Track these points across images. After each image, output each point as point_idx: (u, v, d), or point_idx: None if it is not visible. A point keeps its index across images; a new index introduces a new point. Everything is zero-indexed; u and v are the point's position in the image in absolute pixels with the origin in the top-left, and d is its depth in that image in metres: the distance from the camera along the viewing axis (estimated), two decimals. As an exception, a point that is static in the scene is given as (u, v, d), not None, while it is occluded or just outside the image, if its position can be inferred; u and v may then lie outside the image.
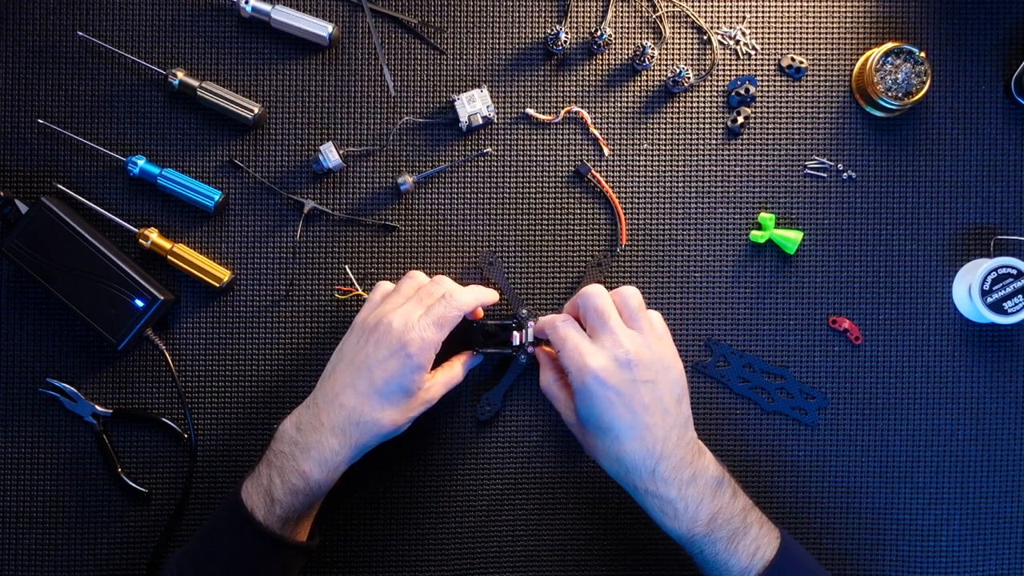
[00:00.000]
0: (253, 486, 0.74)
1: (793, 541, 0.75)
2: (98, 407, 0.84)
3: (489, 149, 0.86)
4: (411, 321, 0.74)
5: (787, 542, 0.74)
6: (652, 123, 0.86)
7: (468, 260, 0.85)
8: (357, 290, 0.85)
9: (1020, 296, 0.81)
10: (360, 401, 0.73)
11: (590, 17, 0.86)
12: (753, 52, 0.86)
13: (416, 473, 0.86)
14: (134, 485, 0.84)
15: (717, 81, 0.86)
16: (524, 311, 0.82)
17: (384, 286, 0.79)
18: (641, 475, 0.72)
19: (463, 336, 0.82)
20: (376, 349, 0.73)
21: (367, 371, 0.73)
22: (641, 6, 0.86)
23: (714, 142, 0.86)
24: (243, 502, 0.73)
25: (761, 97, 0.86)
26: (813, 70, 0.86)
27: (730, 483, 0.74)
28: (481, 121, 0.84)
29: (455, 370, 0.80)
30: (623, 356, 0.72)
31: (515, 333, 0.82)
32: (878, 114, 0.85)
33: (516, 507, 0.86)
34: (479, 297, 0.78)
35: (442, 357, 0.78)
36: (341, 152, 0.83)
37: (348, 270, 0.85)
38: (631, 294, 0.75)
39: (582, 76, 0.86)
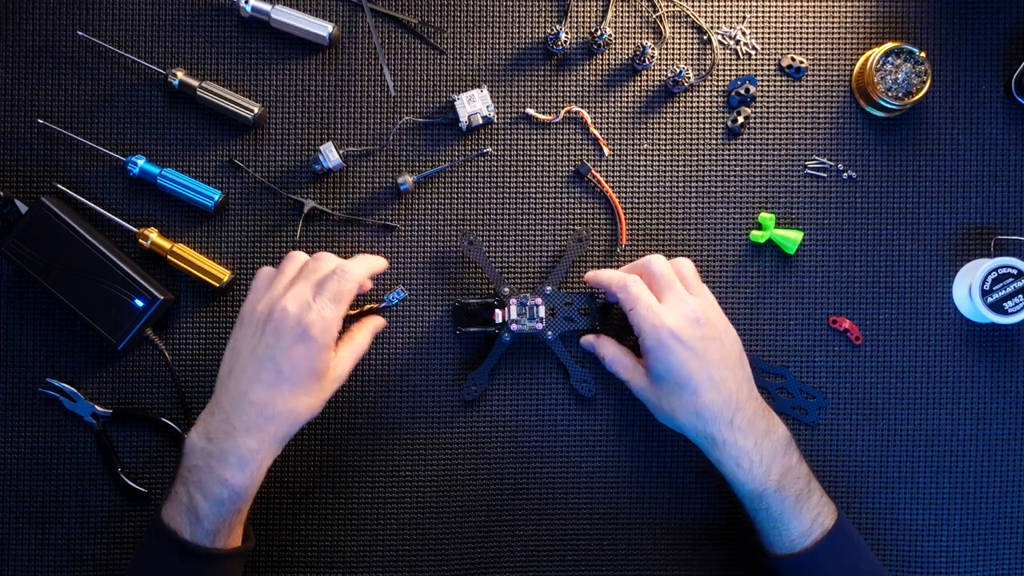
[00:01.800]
0: (174, 509, 0.72)
1: (847, 518, 0.77)
2: (98, 407, 0.84)
3: (489, 149, 0.86)
4: (306, 302, 0.71)
5: (844, 516, 0.77)
6: (652, 123, 0.86)
7: (465, 263, 0.86)
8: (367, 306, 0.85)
9: (1020, 296, 0.81)
10: (270, 394, 0.71)
11: (590, 17, 0.86)
12: (753, 52, 0.86)
13: (405, 457, 0.86)
14: (134, 485, 0.84)
15: (717, 81, 0.86)
16: (506, 289, 0.82)
17: (266, 271, 0.76)
18: (719, 425, 0.74)
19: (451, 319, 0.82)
20: (276, 338, 0.71)
21: (271, 362, 0.71)
22: (641, 6, 0.86)
23: (714, 142, 0.86)
24: (167, 525, 0.71)
25: (761, 97, 0.86)
26: (813, 70, 0.86)
27: (797, 446, 0.76)
28: (481, 121, 0.84)
29: (357, 340, 0.78)
30: (692, 314, 0.75)
31: (497, 311, 0.82)
32: (878, 114, 0.85)
33: (505, 486, 0.86)
34: (370, 266, 0.77)
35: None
36: (341, 152, 0.83)
37: None
38: (687, 263, 0.79)
39: (582, 76, 0.86)
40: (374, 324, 0.81)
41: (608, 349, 0.81)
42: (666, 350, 0.74)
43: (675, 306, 0.75)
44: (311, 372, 0.72)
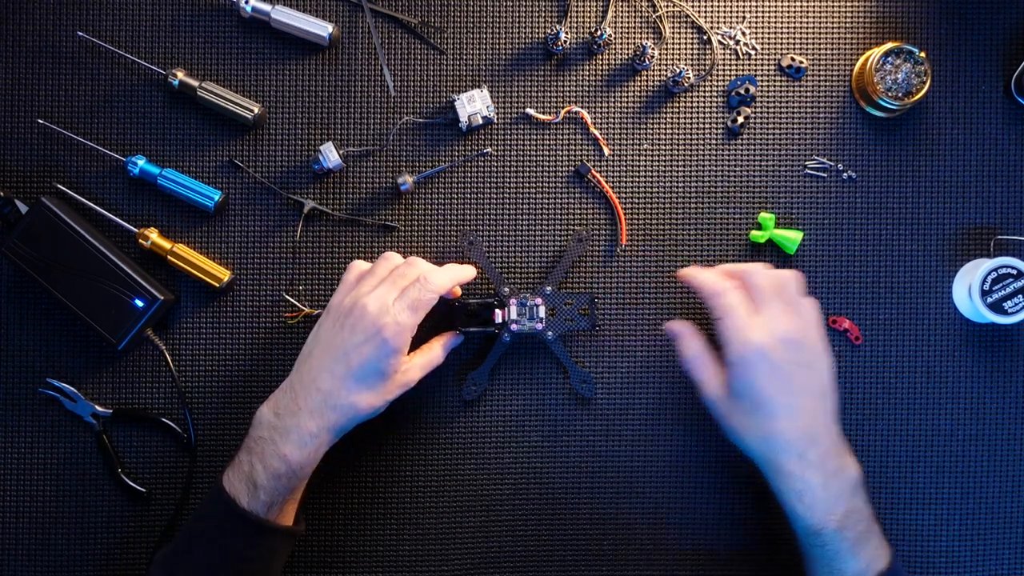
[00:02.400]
0: (235, 475, 0.74)
1: (901, 563, 0.76)
2: (98, 407, 0.84)
3: (489, 149, 0.86)
4: (386, 305, 0.74)
5: (897, 561, 0.74)
6: (652, 123, 0.86)
7: (465, 263, 0.86)
8: (304, 310, 0.85)
9: (1020, 296, 0.81)
10: (336, 385, 0.73)
11: (590, 17, 0.86)
12: (753, 52, 0.86)
13: (405, 457, 0.86)
14: (134, 485, 0.84)
15: (717, 81, 0.86)
16: (506, 289, 0.82)
17: (359, 266, 0.79)
18: (790, 456, 0.71)
19: (446, 316, 0.82)
20: (352, 334, 0.73)
21: (343, 355, 0.73)
22: (641, 6, 0.86)
23: (714, 142, 0.86)
24: (226, 490, 0.73)
25: (761, 97, 0.86)
26: (813, 70, 0.86)
27: (866, 488, 0.74)
28: (481, 121, 0.84)
29: (434, 352, 0.80)
30: (785, 335, 0.72)
31: (497, 311, 0.82)
32: (878, 114, 0.85)
33: (505, 486, 0.86)
34: (454, 277, 0.78)
35: (421, 338, 0.78)
36: (341, 152, 0.83)
37: (287, 296, 0.85)
38: (792, 276, 0.75)
39: (582, 76, 0.86)
40: (451, 340, 0.82)
41: (693, 347, 0.77)
42: (751, 368, 0.71)
43: (769, 322, 0.72)
44: (378, 372, 0.74)
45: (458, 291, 0.82)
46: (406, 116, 0.85)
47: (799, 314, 0.74)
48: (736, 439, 0.74)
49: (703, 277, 0.76)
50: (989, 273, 0.81)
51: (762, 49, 0.86)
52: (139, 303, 0.81)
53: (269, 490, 0.73)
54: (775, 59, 0.86)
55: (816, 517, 0.71)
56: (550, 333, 0.82)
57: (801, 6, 0.86)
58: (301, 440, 0.73)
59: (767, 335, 0.71)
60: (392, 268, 0.78)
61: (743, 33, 0.86)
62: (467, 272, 0.80)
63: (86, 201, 0.84)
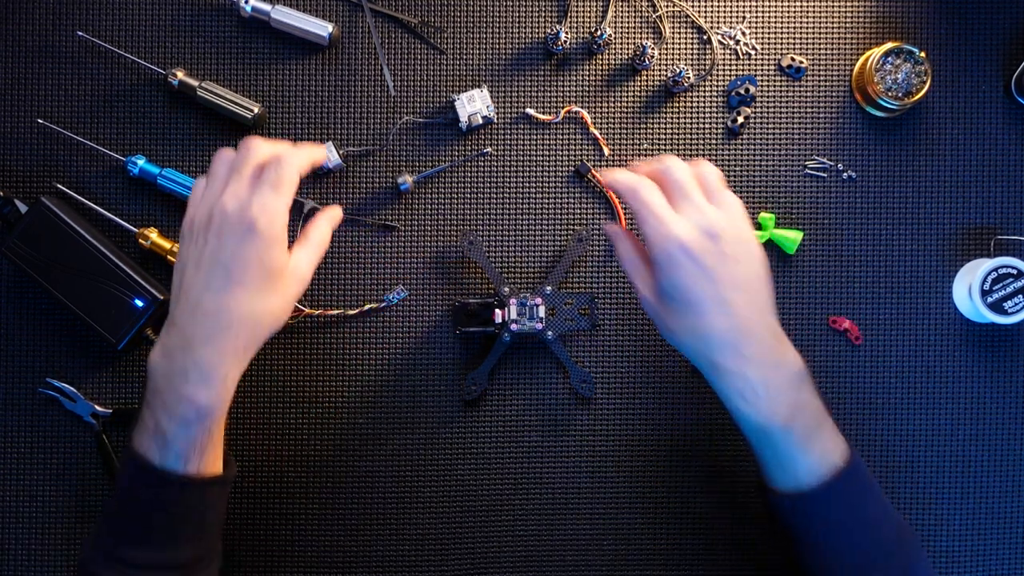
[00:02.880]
0: (141, 436, 0.67)
1: (862, 461, 0.71)
2: (98, 407, 0.84)
3: (489, 149, 0.86)
4: (244, 197, 0.67)
5: (857, 458, 0.70)
6: (652, 123, 0.86)
7: (465, 263, 0.86)
8: (304, 310, 0.85)
9: (1020, 296, 0.81)
10: (223, 300, 0.66)
11: (590, 17, 0.86)
12: (753, 52, 0.86)
13: (405, 457, 0.86)
14: (134, 485, 0.84)
15: (717, 81, 0.86)
16: (506, 289, 0.82)
17: (199, 181, 0.71)
18: (724, 352, 0.67)
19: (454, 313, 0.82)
20: (219, 240, 0.66)
21: (218, 266, 0.66)
22: (641, 6, 0.86)
23: (714, 142, 0.86)
24: (136, 451, 0.67)
25: (761, 97, 0.86)
26: (813, 70, 0.86)
27: (811, 380, 0.70)
28: (481, 121, 0.84)
29: (313, 236, 0.72)
30: (708, 227, 0.67)
31: (497, 311, 0.82)
32: (878, 114, 0.85)
33: (505, 486, 0.86)
34: (310, 155, 0.71)
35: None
36: (341, 152, 0.83)
37: None
38: (712, 170, 0.71)
39: (582, 76, 0.86)
40: (330, 215, 0.74)
41: (625, 246, 0.74)
42: (674, 265, 0.67)
43: (690, 217, 0.68)
44: (264, 271, 0.66)
45: (321, 156, 0.74)
46: (406, 116, 0.85)
47: (722, 206, 0.69)
48: (674, 342, 0.71)
49: (618, 175, 0.71)
50: (989, 273, 0.81)
51: (762, 49, 0.86)
52: (139, 303, 0.81)
53: (181, 440, 0.66)
54: (775, 59, 0.86)
55: (761, 414, 0.67)
56: (550, 333, 0.82)
57: (801, 6, 0.86)
58: (203, 376, 0.65)
59: (688, 229, 0.67)
60: (229, 163, 0.70)
61: (743, 33, 0.86)
62: (319, 152, 0.72)
63: (86, 201, 0.84)
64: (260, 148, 0.69)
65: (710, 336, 0.68)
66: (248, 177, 0.68)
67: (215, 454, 0.69)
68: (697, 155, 0.86)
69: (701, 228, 0.68)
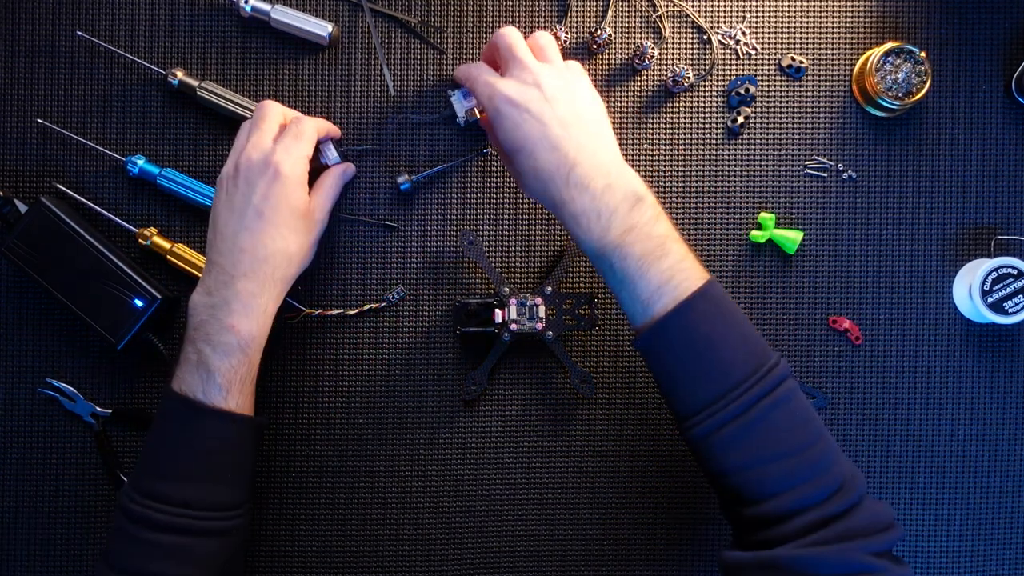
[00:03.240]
0: (183, 371, 0.72)
1: (721, 290, 0.70)
2: (98, 407, 0.84)
3: (489, 149, 0.86)
4: (266, 147, 0.75)
5: (712, 286, 0.69)
6: (652, 123, 0.86)
7: (465, 263, 0.86)
8: (305, 310, 0.84)
9: (1020, 296, 0.81)
10: (257, 237, 0.73)
11: (590, 17, 0.86)
12: (753, 52, 0.86)
13: (405, 457, 0.86)
14: (134, 485, 0.84)
15: (717, 81, 0.86)
16: (506, 289, 0.82)
17: (234, 148, 0.78)
18: (556, 184, 0.71)
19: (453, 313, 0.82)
20: (249, 186, 0.74)
21: (250, 207, 0.73)
22: (641, 6, 0.86)
23: (714, 142, 0.86)
24: (176, 391, 0.71)
25: (761, 97, 0.86)
26: (813, 70, 0.86)
27: (654, 206, 0.71)
28: (478, 116, 0.84)
29: (327, 184, 0.80)
30: (530, 79, 0.72)
31: (497, 311, 0.82)
32: (878, 114, 0.85)
33: (505, 486, 0.86)
34: (323, 123, 0.81)
35: None
36: (341, 149, 0.83)
37: (286, 296, 0.84)
38: (543, 35, 0.76)
39: (582, 76, 0.86)
40: (341, 168, 0.82)
41: (491, 136, 0.81)
42: (501, 117, 0.72)
43: (515, 75, 0.73)
44: (291, 209, 0.74)
45: (336, 131, 0.83)
46: (402, 113, 0.85)
47: (546, 58, 0.74)
48: (526, 191, 0.74)
49: (456, 71, 0.80)
50: (989, 273, 0.81)
51: (762, 49, 0.86)
52: (139, 303, 0.81)
53: (224, 371, 0.71)
54: (775, 59, 0.86)
55: (593, 237, 0.70)
56: (550, 333, 0.82)
57: (801, 6, 0.86)
58: (244, 306, 0.72)
59: (512, 83, 0.72)
60: (256, 122, 0.77)
61: (743, 33, 0.86)
62: (332, 126, 0.82)
63: (86, 201, 0.84)
64: (278, 107, 0.78)
65: (541, 172, 0.71)
66: (268, 132, 0.76)
67: (251, 393, 0.75)
68: (697, 155, 0.86)
69: (522, 80, 0.73)
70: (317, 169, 0.81)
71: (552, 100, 0.72)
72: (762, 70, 0.86)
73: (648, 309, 0.69)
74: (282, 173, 0.74)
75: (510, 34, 0.75)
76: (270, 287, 0.73)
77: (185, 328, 0.74)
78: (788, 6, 0.86)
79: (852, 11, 0.86)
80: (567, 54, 0.86)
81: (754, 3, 0.86)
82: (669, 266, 0.69)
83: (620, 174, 0.71)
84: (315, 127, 0.78)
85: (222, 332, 0.71)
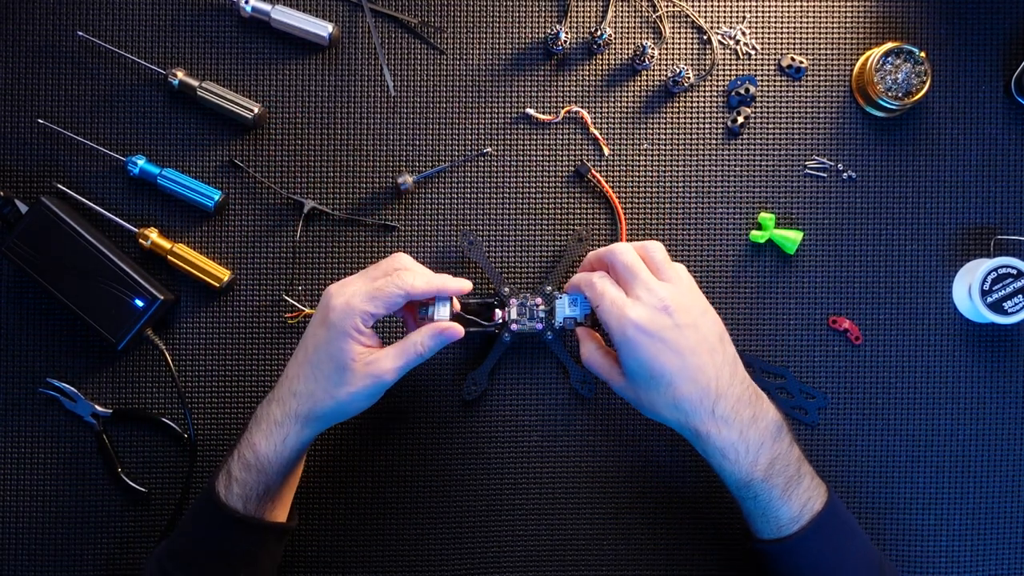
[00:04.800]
0: (221, 467, 0.74)
1: (838, 499, 0.75)
2: (98, 407, 0.84)
3: (489, 149, 0.86)
4: (343, 291, 0.72)
5: (834, 498, 0.74)
6: (652, 123, 0.86)
7: (466, 263, 0.86)
8: (305, 310, 0.85)
9: (1020, 296, 0.81)
10: (296, 371, 0.73)
11: (590, 17, 0.86)
12: (753, 52, 0.86)
13: (405, 457, 0.86)
14: (134, 485, 0.84)
15: (717, 81, 0.86)
16: (506, 289, 0.82)
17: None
18: (701, 417, 0.70)
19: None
20: (312, 322, 0.74)
21: (304, 343, 0.73)
22: (641, 6, 0.86)
23: (714, 142, 0.86)
24: (213, 486, 0.73)
25: (761, 97, 0.86)
26: (813, 70, 0.86)
27: (789, 430, 0.73)
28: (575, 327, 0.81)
29: (412, 341, 0.73)
30: (659, 303, 0.70)
31: (497, 311, 0.82)
32: (878, 114, 0.85)
33: (505, 486, 0.86)
34: (433, 281, 0.73)
35: None
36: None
37: (286, 296, 0.85)
38: (656, 248, 0.74)
39: (582, 76, 0.86)
40: (441, 328, 0.73)
41: (586, 347, 0.78)
42: (634, 345, 0.70)
43: (641, 296, 0.71)
44: (333, 359, 0.71)
45: (456, 304, 0.77)
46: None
47: (670, 278, 0.73)
48: (655, 417, 0.73)
49: (575, 277, 0.77)
50: (989, 273, 0.81)
51: (762, 49, 0.86)
52: (139, 303, 0.81)
53: (241, 482, 0.72)
54: (775, 59, 0.86)
55: (742, 470, 0.71)
56: (550, 333, 0.82)
57: (801, 6, 0.86)
58: (268, 429, 0.72)
59: (641, 309, 0.70)
60: (380, 264, 0.75)
61: (743, 33, 0.86)
62: (453, 284, 0.74)
63: (86, 201, 0.84)
64: (397, 261, 0.74)
65: (683, 404, 0.70)
66: (367, 277, 0.73)
67: (277, 505, 0.75)
68: (697, 155, 0.86)
69: (653, 306, 0.70)
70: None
71: (684, 326, 0.70)
72: (762, 70, 0.86)
73: (784, 529, 0.72)
74: (329, 320, 0.71)
75: (627, 251, 0.73)
76: (292, 422, 0.72)
77: None
78: (788, 6, 0.86)
79: (852, 11, 0.86)
80: (567, 54, 0.86)
81: (754, 3, 0.86)
82: (805, 488, 0.72)
83: (759, 401, 0.72)
84: (405, 289, 0.71)
85: (247, 447, 0.73)
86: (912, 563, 0.86)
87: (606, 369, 0.76)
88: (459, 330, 0.74)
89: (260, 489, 0.73)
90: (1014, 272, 0.81)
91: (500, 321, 0.82)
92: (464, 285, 0.75)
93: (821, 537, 0.72)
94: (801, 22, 0.86)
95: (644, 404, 0.73)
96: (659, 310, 0.70)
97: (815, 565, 0.72)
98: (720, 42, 0.86)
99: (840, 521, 0.74)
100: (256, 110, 0.83)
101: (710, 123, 0.86)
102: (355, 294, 0.71)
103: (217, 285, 0.83)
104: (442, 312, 0.75)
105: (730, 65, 0.86)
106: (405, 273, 0.72)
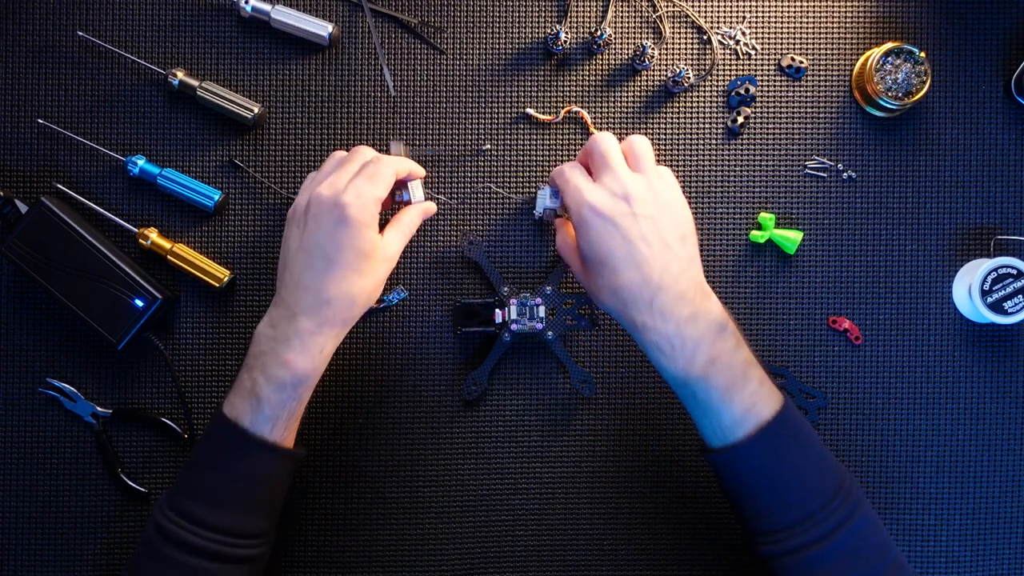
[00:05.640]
0: (236, 396, 0.73)
1: (795, 410, 0.72)
2: (98, 407, 0.84)
3: (488, 146, 0.86)
4: (340, 186, 0.73)
5: (787, 408, 0.71)
6: (652, 123, 0.86)
7: (466, 263, 0.86)
8: None
9: (1020, 296, 0.81)
10: (322, 279, 0.72)
11: (590, 17, 0.86)
12: (753, 52, 0.86)
13: (405, 457, 0.86)
14: (134, 485, 0.84)
15: (717, 81, 0.86)
16: (506, 289, 0.82)
17: (310, 175, 0.78)
18: (639, 307, 0.70)
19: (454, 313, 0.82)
20: (317, 224, 0.72)
21: (317, 248, 0.72)
22: (641, 6, 0.86)
23: (714, 142, 0.86)
24: (226, 415, 0.72)
25: (761, 97, 0.86)
26: (813, 70, 0.86)
27: (735, 333, 0.71)
28: (556, 218, 0.82)
29: (404, 220, 0.78)
30: (620, 190, 0.71)
31: (497, 311, 0.82)
32: (878, 114, 0.85)
33: (505, 486, 0.86)
34: (407, 164, 0.78)
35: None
36: (425, 192, 0.82)
37: None
38: (639, 140, 0.74)
39: (582, 76, 0.86)
40: (423, 207, 0.80)
41: (560, 234, 0.79)
42: (586, 226, 0.71)
43: (605, 182, 0.72)
44: (356, 252, 0.72)
45: (421, 171, 0.80)
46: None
47: (644, 171, 0.73)
48: (600, 305, 0.73)
49: (554, 170, 0.78)
50: (989, 273, 0.81)
51: (762, 49, 0.86)
52: (139, 303, 0.81)
53: (274, 403, 0.71)
54: (775, 59, 0.86)
55: (678, 366, 0.70)
56: (550, 333, 0.82)
57: (801, 6, 0.86)
58: (303, 344, 0.71)
59: (600, 193, 0.71)
60: (336, 160, 0.77)
61: (743, 33, 0.86)
62: (419, 167, 0.80)
63: (86, 201, 0.84)
64: (366, 151, 0.77)
65: (622, 292, 0.70)
66: (348, 172, 0.74)
67: (295, 428, 0.75)
68: (697, 155, 0.86)
69: (613, 192, 0.71)
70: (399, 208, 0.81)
71: (640, 216, 0.71)
72: (762, 70, 0.86)
73: (729, 435, 0.70)
74: (349, 216, 0.71)
75: (604, 140, 0.74)
76: (328, 328, 0.72)
77: (246, 354, 0.74)
78: (788, 6, 0.86)
79: (852, 11, 0.86)
80: (567, 54, 0.86)
81: (754, 3, 0.86)
82: (751, 392, 0.70)
83: (705, 300, 0.71)
84: (393, 169, 0.75)
85: (278, 366, 0.71)
86: (912, 563, 0.86)
87: (571, 256, 0.77)
88: (434, 207, 0.81)
89: (292, 407, 0.72)
90: (1014, 272, 0.81)
91: (500, 321, 0.82)
92: (422, 170, 0.81)
93: (769, 446, 0.70)
94: (801, 22, 0.86)
95: (591, 288, 0.74)
96: (618, 196, 0.71)
97: (761, 475, 0.70)
98: (720, 42, 0.86)
99: (793, 431, 0.71)
100: (256, 110, 0.83)
101: (710, 123, 0.86)
102: (359, 186, 0.73)
103: (217, 285, 0.83)
104: (418, 193, 0.80)
105: (730, 65, 0.86)
106: (385, 159, 0.76)
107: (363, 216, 0.72)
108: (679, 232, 0.72)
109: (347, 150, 0.78)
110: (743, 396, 0.70)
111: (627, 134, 0.86)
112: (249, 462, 0.72)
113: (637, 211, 0.71)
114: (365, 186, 0.73)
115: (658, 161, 0.86)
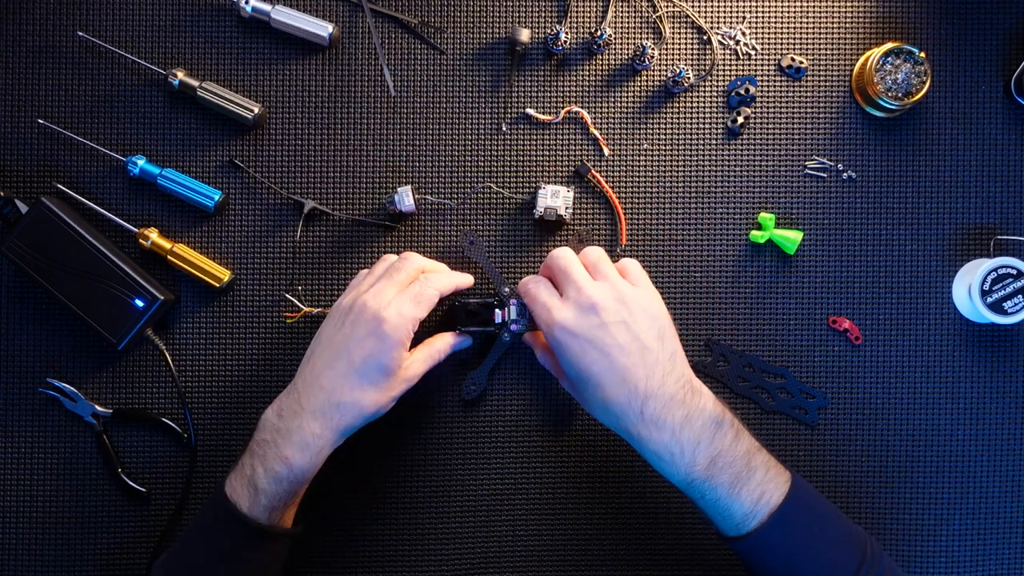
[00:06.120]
0: (237, 479, 0.73)
1: (804, 485, 0.72)
2: (98, 407, 0.84)
3: (505, 128, 0.86)
4: (385, 299, 0.73)
5: (797, 488, 0.71)
6: (652, 123, 0.86)
7: (466, 263, 0.86)
8: (304, 309, 0.85)
9: (1020, 296, 0.81)
10: (339, 382, 0.72)
11: (590, 17, 0.86)
12: (753, 52, 0.86)
13: (405, 457, 0.86)
14: (134, 485, 0.84)
15: (717, 81, 0.86)
16: (506, 289, 0.82)
17: (362, 272, 0.79)
18: (631, 419, 0.70)
19: (445, 319, 0.83)
20: (352, 329, 0.73)
21: (345, 352, 0.73)
22: (641, 6, 0.86)
23: (714, 142, 0.86)
24: (227, 495, 0.73)
25: (761, 97, 0.86)
26: (813, 70, 0.86)
27: (732, 424, 0.71)
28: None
29: (436, 345, 0.80)
30: (586, 303, 0.71)
31: (497, 311, 0.82)
32: (878, 114, 0.85)
33: (505, 486, 0.86)
34: (454, 280, 0.79)
35: (421, 339, 0.79)
36: (416, 197, 0.83)
37: (287, 295, 0.85)
38: (592, 249, 0.76)
39: (582, 76, 0.86)
40: (456, 340, 0.81)
41: (537, 351, 0.81)
42: (561, 347, 0.71)
43: (570, 296, 0.72)
44: (380, 367, 0.73)
45: (468, 282, 0.82)
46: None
47: (605, 276, 0.73)
48: (594, 416, 0.74)
49: (519, 284, 0.78)
50: (989, 273, 0.81)
51: (762, 49, 0.86)
52: (139, 303, 0.81)
53: (270, 494, 0.72)
54: (775, 59, 0.86)
55: (680, 472, 0.69)
56: None
57: (801, 6, 0.86)
58: (303, 442, 0.72)
59: (566, 310, 0.72)
60: (387, 265, 0.78)
61: (743, 33, 0.86)
62: (466, 279, 0.81)
63: (86, 201, 0.84)
64: (415, 261, 0.78)
65: (611, 406, 0.70)
66: (396, 283, 0.75)
67: (292, 512, 0.76)
68: (697, 155, 0.86)
69: (580, 305, 0.71)
70: (430, 322, 0.82)
71: (612, 324, 0.70)
72: (762, 70, 0.86)
73: (743, 526, 0.70)
74: (385, 332, 0.72)
75: (562, 256, 0.75)
76: (331, 433, 0.73)
77: (251, 436, 0.74)
78: (788, 6, 0.86)
79: (852, 11, 0.86)
80: (567, 54, 0.86)
81: (754, 3, 0.86)
82: (758, 483, 0.70)
83: (695, 398, 0.70)
84: (439, 290, 0.76)
85: (277, 460, 0.72)
86: (912, 563, 0.86)
87: (557, 372, 0.79)
88: (469, 341, 0.82)
89: (288, 498, 0.73)
90: (1014, 272, 0.81)
91: (500, 321, 0.82)
92: (470, 278, 0.81)
93: (783, 531, 0.70)
94: (801, 22, 0.86)
95: (583, 404, 0.75)
96: (586, 309, 0.71)
97: (782, 559, 0.70)
98: (720, 42, 0.86)
99: (806, 510, 0.71)
100: (256, 110, 0.83)
101: (710, 123, 0.86)
102: (401, 304, 0.73)
103: (217, 285, 0.83)
104: (408, 200, 0.82)
105: (730, 65, 0.86)
106: (433, 276, 0.77)
107: (398, 334, 0.72)
108: (655, 330, 0.72)
109: (397, 254, 0.79)
110: (750, 488, 0.70)
111: (627, 134, 0.86)
112: (247, 545, 0.73)
113: (607, 320, 0.71)
114: (407, 305, 0.73)
115: (656, 163, 0.86)
